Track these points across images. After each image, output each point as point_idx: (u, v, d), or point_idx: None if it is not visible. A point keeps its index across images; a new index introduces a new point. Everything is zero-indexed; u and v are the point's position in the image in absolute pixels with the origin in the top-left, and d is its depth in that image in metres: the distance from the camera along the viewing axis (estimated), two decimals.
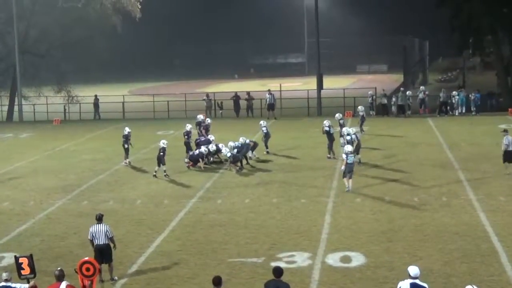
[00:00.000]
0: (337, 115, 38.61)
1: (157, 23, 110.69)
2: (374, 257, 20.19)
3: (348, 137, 32.16)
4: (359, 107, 43.91)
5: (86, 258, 17.26)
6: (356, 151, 31.92)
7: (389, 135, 42.10)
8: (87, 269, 16.87)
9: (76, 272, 16.85)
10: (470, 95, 51.75)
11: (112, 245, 19.01)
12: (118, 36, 72.01)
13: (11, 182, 32.60)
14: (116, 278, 19.11)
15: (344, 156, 28.45)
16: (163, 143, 32.68)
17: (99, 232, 18.83)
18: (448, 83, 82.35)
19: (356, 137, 32.99)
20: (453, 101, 51.35)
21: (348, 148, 29.02)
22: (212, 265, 20.07)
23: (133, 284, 18.89)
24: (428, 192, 27.73)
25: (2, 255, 21.58)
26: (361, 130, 42.12)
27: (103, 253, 18.76)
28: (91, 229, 19.02)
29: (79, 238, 22.83)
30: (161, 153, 32.11)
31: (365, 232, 22.77)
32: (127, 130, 35.74)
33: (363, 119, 42.90)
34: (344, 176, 28.50)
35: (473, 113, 50.98)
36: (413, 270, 14.46)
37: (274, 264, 18.53)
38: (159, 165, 32.26)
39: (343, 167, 28.49)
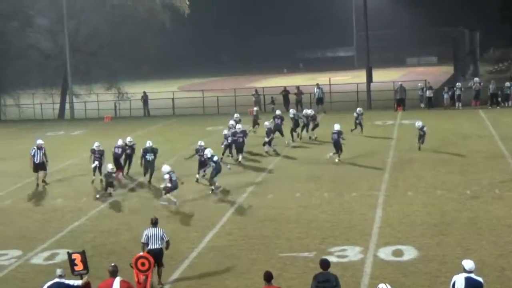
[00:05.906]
0: (358, 109, 40.49)
1: (206, 19, 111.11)
2: (426, 251, 20.03)
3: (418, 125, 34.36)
4: (358, 109, 41.21)
5: (142, 253, 17.34)
6: (422, 141, 34.35)
7: (440, 128, 41.60)
8: (142, 264, 16.98)
9: (132, 267, 16.97)
10: None
11: (165, 248, 18.63)
12: (167, 32, 72.41)
13: (64, 179, 32.95)
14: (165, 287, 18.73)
15: (166, 175, 27.05)
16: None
17: (155, 236, 18.39)
18: (500, 74, 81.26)
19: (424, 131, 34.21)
20: (509, 92, 50.68)
21: (167, 168, 27.33)
22: (264, 260, 20.08)
23: (185, 280, 18.96)
24: (481, 184, 27.42)
25: (56, 252, 21.86)
26: (357, 128, 40.02)
27: (157, 258, 18.19)
28: (146, 232, 18.49)
29: (131, 234, 23.01)
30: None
31: (417, 225, 22.60)
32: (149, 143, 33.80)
33: (360, 121, 40.01)
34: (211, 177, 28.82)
35: None
36: (468, 264, 14.28)
37: None
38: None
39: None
